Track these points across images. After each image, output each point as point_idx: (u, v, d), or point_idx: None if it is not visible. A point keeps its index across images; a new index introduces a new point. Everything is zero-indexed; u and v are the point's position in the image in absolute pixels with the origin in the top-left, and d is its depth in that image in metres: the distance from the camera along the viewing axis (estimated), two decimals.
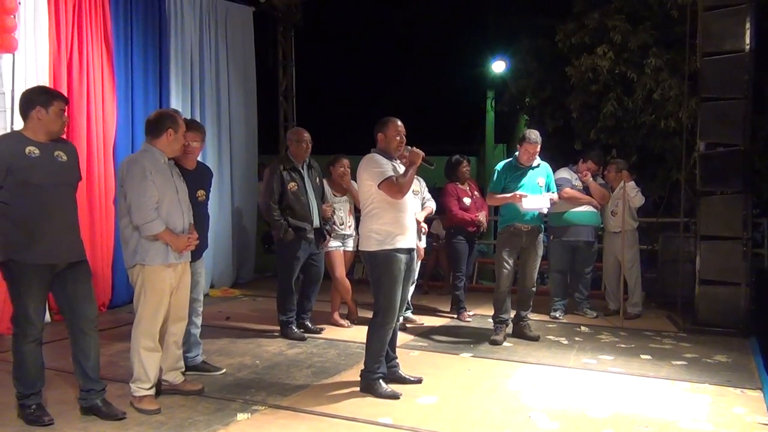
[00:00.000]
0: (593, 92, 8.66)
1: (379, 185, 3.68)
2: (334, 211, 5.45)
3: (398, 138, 3.80)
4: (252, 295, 7.57)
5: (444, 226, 6.59)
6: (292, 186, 5.03)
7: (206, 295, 4.15)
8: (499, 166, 5.37)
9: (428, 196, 5.86)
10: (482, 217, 6.02)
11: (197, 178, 4.01)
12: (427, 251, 6.43)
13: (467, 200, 6.12)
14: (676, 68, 7.86)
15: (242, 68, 8.52)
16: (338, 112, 14.26)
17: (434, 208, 5.87)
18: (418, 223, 5.57)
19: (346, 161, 5.65)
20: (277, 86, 9.71)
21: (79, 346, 3.34)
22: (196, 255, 3.94)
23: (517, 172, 5.22)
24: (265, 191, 5.07)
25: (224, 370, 4.26)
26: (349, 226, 5.68)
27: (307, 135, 5.14)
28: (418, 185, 5.75)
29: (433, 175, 7.40)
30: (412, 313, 6.09)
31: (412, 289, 5.95)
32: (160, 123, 3.54)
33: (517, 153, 5.29)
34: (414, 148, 3.80)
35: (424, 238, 5.77)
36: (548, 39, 9.42)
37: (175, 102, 7.25)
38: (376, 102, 13.78)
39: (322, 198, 5.32)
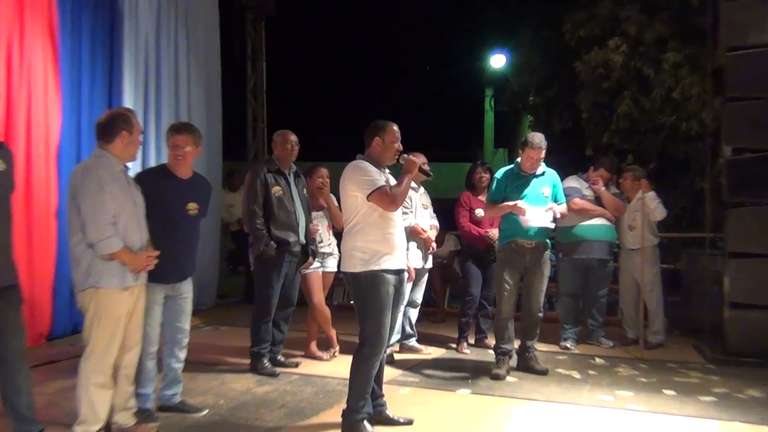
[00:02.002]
0: (605, 90, 8.74)
1: (368, 196, 3.71)
2: (315, 233, 5.50)
3: (396, 145, 3.88)
4: (215, 324, 7.48)
5: (462, 243, 6.71)
6: (276, 190, 5.09)
7: (161, 325, 4.10)
8: (499, 173, 5.38)
9: (434, 214, 6.08)
10: (494, 233, 5.93)
11: (190, 189, 4.14)
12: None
13: (480, 212, 6.09)
14: (698, 64, 7.96)
15: (205, 63, 8.49)
16: (315, 114, 14.23)
17: (437, 226, 6.05)
18: (428, 239, 5.75)
19: (324, 171, 5.65)
20: (245, 83, 9.70)
21: (8, 381, 3.28)
22: (182, 276, 4.03)
23: (519, 180, 5.23)
24: (247, 196, 5.12)
25: (206, 411, 4.22)
26: (329, 244, 5.66)
27: (293, 137, 5.20)
28: (427, 199, 5.97)
29: (440, 186, 7.35)
30: (418, 341, 6.07)
31: (415, 313, 6.02)
32: (112, 125, 3.55)
33: (519, 159, 5.31)
34: (410, 155, 3.88)
35: (430, 257, 5.97)
36: (554, 30, 9.51)
37: (128, 101, 7.18)
38: (359, 102, 13.78)
39: (309, 212, 5.38)
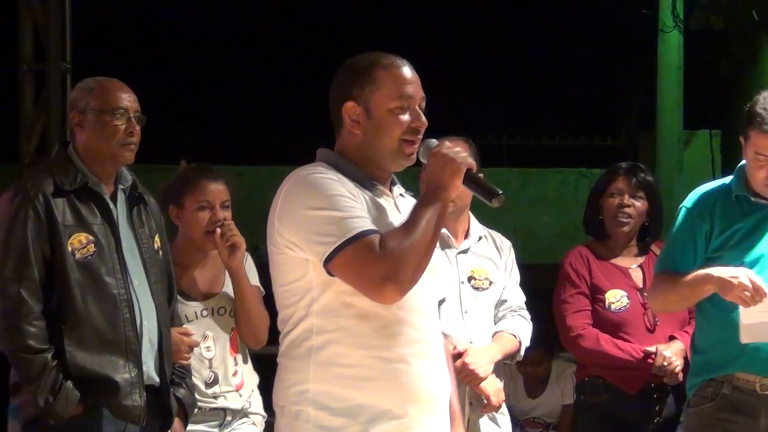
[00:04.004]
0: None
1: (329, 257, 1.83)
2: (191, 348, 2.85)
3: (404, 118, 1.90)
4: None
5: (576, 380, 3.64)
6: (79, 243, 2.63)
7: None
8: (692, 198, 2.92)
9: (515, 294, 3.06)
10: (671, 353, 3.11)
11: None
12: None
13: (620, 299, 3.23)
14: None
15: None
16: (208, 51, 8.88)
17: (525, 333, 3.04)
18: (473, 379, 2.83)
19: (220, 189, 3.03)
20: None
21: None
22: None
23: (746, 218, 2.78)
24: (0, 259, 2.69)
25: None
26: (236, 387, 3.03)
27: (128, 98, 2.60)
28: (497, 254, 3.04)
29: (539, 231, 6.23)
30: None
31: None
32: None
33: (744, 163, 2.83)
34: (444, 143, 1.96)
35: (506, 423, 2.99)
36: None
37: None
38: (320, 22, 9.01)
39: (170, 299, 2.79)
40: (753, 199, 2.67)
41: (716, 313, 2.70)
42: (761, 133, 2.57)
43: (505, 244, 3.02)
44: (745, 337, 2.56)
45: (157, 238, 2.67)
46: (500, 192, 1.89)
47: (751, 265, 2.60)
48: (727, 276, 2.54)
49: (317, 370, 1.88)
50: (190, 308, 2.85)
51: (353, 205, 1.82)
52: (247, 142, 8.64)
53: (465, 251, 2.89)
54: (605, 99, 9.50)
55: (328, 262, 1.78)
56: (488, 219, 3.09)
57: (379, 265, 1.78)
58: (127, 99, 2.53)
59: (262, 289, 2.83)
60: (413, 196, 2.01)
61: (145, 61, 8.82)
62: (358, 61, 1.95)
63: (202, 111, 9.18)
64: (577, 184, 7.34)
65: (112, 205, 2.52)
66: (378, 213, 1.87)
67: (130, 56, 8.63)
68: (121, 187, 2.55)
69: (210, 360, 2.88)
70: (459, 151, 1.86)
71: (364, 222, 1.79)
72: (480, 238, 2.95)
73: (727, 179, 2.83)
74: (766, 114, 2.56)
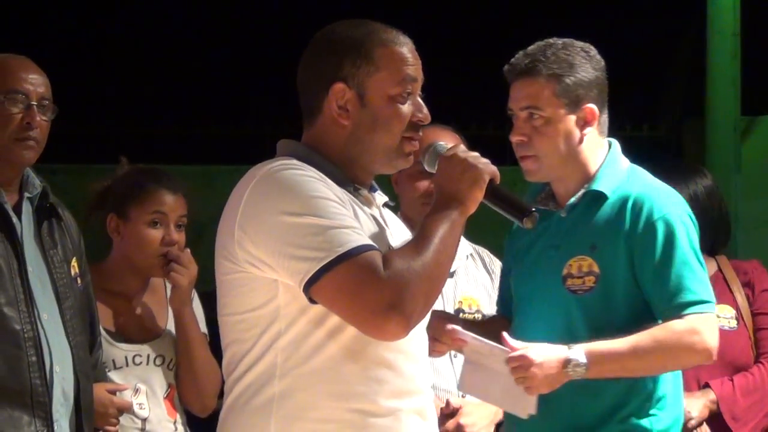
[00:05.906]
0: None
1: (314, 279, 1.62)
2: (123, 410, 2.64)
3: (408, 102, 1.74)
4: None
5: None
6: None
7: None
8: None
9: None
10: (693, 408, 2.95)
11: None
12: None
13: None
14: None
15: None
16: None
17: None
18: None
19: (179, 202, 2.80)
20: None
21: None
22: None
23: (524, 236, 2.55)
24: None
25: None
26: None
27: (34, 79, 2.52)
28: (488, 278, 2.95)
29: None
30: None
31: None
32: None
33: None
34: (459, 146, 1.84)
35: None
36: None
37: None
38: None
39: (92, 344, 2.69)
40: (535, 207, 2.41)
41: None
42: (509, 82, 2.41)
43: (496, 263, 2.89)
44: (462, 384, 2.42)
45: (74, 263, 2.51)
46: (533, 209, 1.79)
47: (517, 306, 2.39)
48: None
49: (280, 427, 1.67)
50: (119, 351, 2.64)
51: (343, 212, 1.61)
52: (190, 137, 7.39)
53: (451, 275, 2.69)
54: (639, 76, 8.12)
55: (311, 285, 1.57)
56: (481, 234, 2.90)
57: (384, 290, 1.60)
58: (31, 81, 2.40)
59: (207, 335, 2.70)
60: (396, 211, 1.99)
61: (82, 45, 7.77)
62: (348, 31, 1.75)
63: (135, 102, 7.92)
64: None
65: (15, 219, 2.43)
66: (369, 225, 1.71)
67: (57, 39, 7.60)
68: (27, 195, 2.43)
69: (143, 421, 2.68)
70: (478, 157, 1.73)
71: (358, 235, 1.60)
72: (467, 256, 2.77)
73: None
74: (518, 56, 2.29)
